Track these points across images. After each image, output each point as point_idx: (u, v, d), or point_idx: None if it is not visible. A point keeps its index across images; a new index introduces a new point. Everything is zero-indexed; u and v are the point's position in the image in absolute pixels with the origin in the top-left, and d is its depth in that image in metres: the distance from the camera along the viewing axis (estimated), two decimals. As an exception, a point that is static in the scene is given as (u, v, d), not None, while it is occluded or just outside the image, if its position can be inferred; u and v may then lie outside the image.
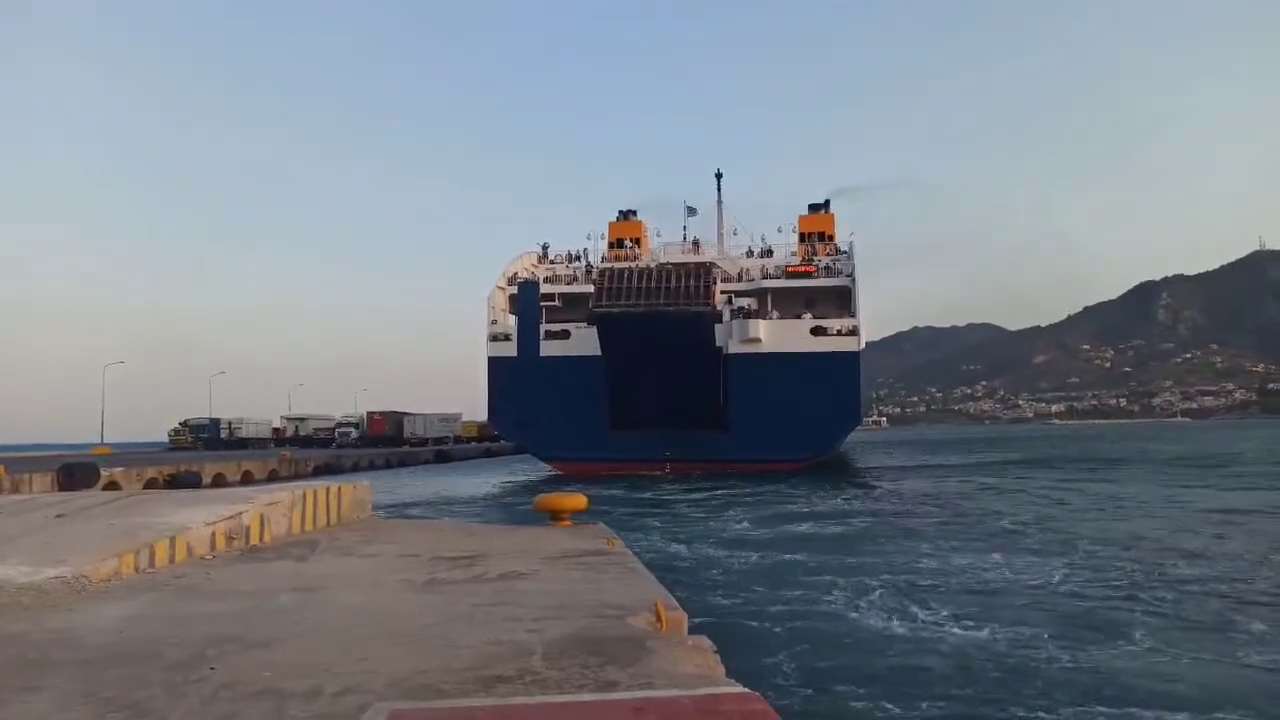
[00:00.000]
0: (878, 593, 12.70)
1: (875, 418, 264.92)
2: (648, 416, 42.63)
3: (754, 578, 14.26)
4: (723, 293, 44.39)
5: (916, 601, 12.12)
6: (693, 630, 5.00)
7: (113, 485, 28.10)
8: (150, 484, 31.70)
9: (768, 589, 13.15)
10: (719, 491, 32.31)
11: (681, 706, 3.12)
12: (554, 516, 10.64)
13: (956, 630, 10.57)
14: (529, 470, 51.50)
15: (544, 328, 46.17)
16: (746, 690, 3.37)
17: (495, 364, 46.65)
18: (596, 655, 4.02)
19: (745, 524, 22.27)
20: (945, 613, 11.45)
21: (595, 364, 42.96)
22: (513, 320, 47.82)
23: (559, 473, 45.69)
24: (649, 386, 41.90)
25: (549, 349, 45.56)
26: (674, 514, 25.38)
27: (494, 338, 47.10)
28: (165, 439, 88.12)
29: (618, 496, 30.27)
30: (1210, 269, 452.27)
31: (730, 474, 39.73)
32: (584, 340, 43.83)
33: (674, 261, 46.40)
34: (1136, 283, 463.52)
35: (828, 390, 42.80)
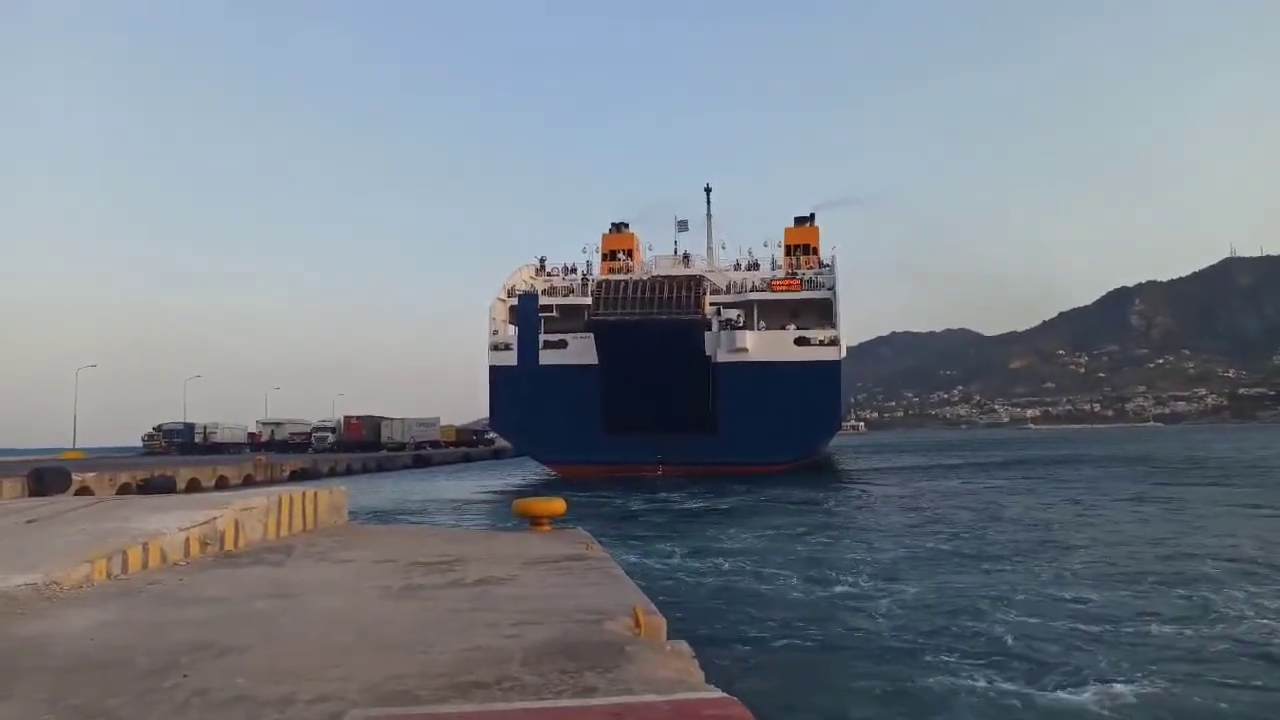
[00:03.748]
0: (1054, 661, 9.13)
1: (853, 422, 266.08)
2: (641, 421, 44.41)
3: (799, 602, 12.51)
4: (712, 304, 46.68)
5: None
6: (671, 636, 5.00)
7: (85, 491, 27.71)
8: (123, 489, 31.33)
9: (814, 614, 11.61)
10: (726, 499, 31.29)
11: (659, 712, 3.11)
12: (533, 521, 10.60)
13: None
14: (520, 474, 51.82)
15: (542, 338, 47.86)
16: (725, 695, 3.37)
17: (496, 372, 48.42)
18: (575, 661, 4.00)
19: (786, 538, 20.12)
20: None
21: (591, 372, 45.53)
22: (513, 330, 49.39)
23: (555, 476, 47.29)
24: (642, 392, 43.92)
25: (547, 358, 47.41)
26: (691, 529, 22.75)
27: (495, 347, 48.86)
28: (140, 443, 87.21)
29: (630, 509, 28.78)
30: (1182, 275, 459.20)
31: (719, 476, 40.82)
32: (580, 349, 46.36)
33: (666, 274, 49.06)
34: (1110, 289, 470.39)
35: (810, 397, 44.71)
